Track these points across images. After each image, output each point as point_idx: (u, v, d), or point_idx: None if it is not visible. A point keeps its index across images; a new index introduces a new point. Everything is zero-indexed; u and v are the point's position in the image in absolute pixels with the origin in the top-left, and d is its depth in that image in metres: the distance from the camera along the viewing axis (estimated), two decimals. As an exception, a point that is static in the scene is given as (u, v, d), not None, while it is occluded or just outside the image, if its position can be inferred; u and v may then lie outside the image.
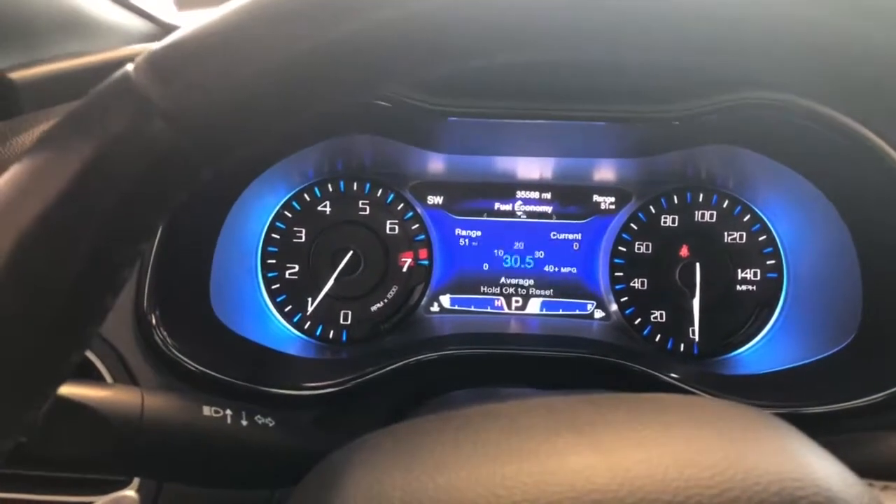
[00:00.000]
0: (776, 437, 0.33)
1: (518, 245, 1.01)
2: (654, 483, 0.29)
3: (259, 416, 0.53)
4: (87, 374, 0.69)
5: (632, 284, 0.98)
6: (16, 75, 0.72)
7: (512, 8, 0.29)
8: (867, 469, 0.37)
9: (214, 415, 0.50)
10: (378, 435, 0.36)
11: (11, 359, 0.26)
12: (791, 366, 0.85)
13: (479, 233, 1.01)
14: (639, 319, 0.98)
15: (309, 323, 0.97)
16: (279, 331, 0.96)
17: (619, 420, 0.34)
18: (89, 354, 0.70)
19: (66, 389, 0.45)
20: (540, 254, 1.01)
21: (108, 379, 0.70)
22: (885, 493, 0.36)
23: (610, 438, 0.32)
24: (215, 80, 0.28)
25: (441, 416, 0.36)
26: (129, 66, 0.28)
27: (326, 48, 0.28)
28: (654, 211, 0.98)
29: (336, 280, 0.96)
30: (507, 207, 1.01)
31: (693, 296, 0.95)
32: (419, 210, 0.99)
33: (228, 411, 0.51)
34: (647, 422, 0.34)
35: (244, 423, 0.51)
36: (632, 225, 0.98)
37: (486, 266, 1.01)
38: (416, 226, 0.99)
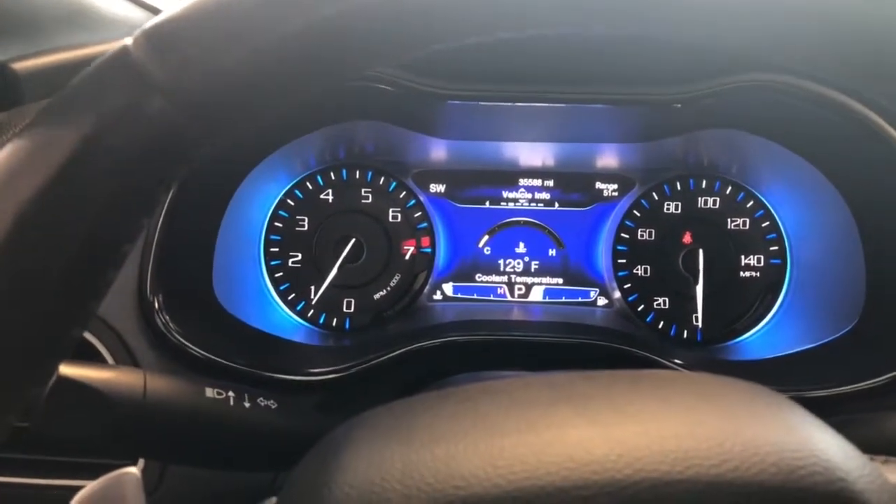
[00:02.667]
0: (775, 411, 0.33)
1: (521, 233, 1.01)
2: (652, 455, 0.29)
3: (262, 399, 0.53)
4: (90, 359, 0.70)
5: (635, 271, 0.98)
6: (19, 66, 0.72)
7: None
8: (870, 447, 0.37)
9: (217, 396, 0.50)
10: (378, 410, 0.36)
11: (13, 332, 0.27)
12: (794, 351, 0.85)
13: (481, 220, 1.01)
14: (642, 306, 0.98)
15: (312, 311, 0.97)
16: (282, 318, 0.96)
17: (617, 394, 0.34)
18: (92, 338, 0.70)
19: (69, 370, 0.45)
20: (542, 241, 1.01)
21: (110, 362, 0.70)
22: (886, 465, 0.36)
23: (608, 412, 0.32)
24: (214, 55, 0.28)
25: (440, 392, 0.36)
26: (128, 41, 0.28)
27: (325, 22, 0.28)
28: (656, 198, 0.98)
29: (339, 268, 0.96)
30: (510, 195, 1.01)
31: (696, 282, 0.95)
32: (421, 198, 0.99)
33: (231, 393, 0.51)
34: (646, 396, 0.34)
35: (247, 405, 0.52)
36: (635, 212, 0.98)
37: (488, 253, 1.01)
38: (419, 213, 0.99)
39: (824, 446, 0.30)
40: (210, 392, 0.51)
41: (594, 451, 0.29)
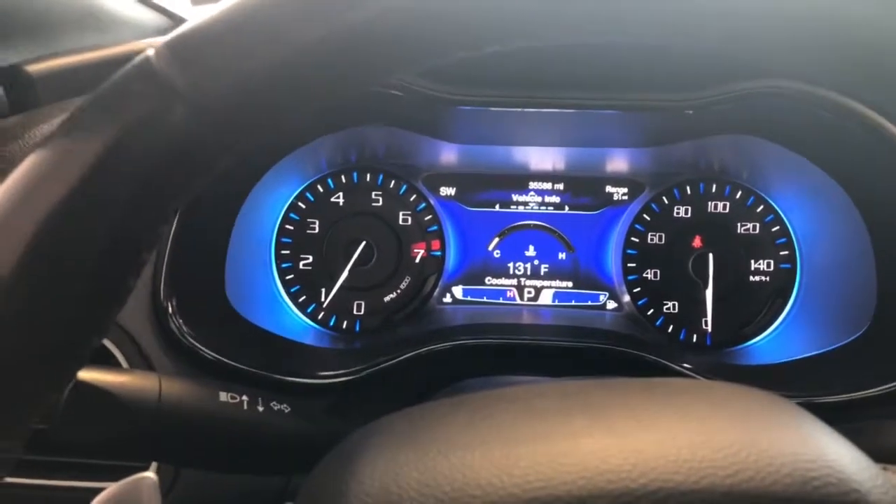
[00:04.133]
0: (790, 421, 0.33)
1: (531, 236, 1.01)
2: (668, 464, 0.29)
3: (275, 403, 0.53)
4: (106, 362, 0.70)
5: (644, 275, 0.98)
6: (32, 68, 0.73)
7: None
8: (882, 454, 0.37)
9: (231, 400, 0.51)
10: (394, 417, 0.36)
11: (35, 339, 0.27)
12: (805, 356, 0.85)
13: (491, 223, 1.01)
14: (651, 310, 0.98)
15: (323, 313, 0.98)
16: (293, 321, 0.97)
17: (632, 403, 0.34)
18: (107, 342, 0.71)
19: (86, 375, 0.45)
20: (552, 245, 1.01)
21: (125, 366, 0.71)
22: (899, 476, 0.36)
23: (623, 421, 0.32)
24: (235, 65, 0.28)
25: (456, 399, 0.36)
26: (150, 52, 0.29)
27: (348, 31, 0.28)
28: (666, 202, 0.98)
29: (349, 271, 0.97)
30: (520, 198, 1.01)
31: (706, 286, 0.95)
32: (432, 201, 1.00)
33: (245, 397, 0.52)
34: (661, 404, 0.34)
35: (260, 408, 0.52)
36: (645, 216, 0.98)
37: (498, 257, 1.01)
38: (429, 217, 0.99)
39: (838, 457, 0.30)
40: (224, 396, 0.51)
41: (609, 460, 0.30)
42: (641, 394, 0.35)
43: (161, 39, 0.29)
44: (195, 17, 0.29)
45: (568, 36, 0.31)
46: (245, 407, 0.51)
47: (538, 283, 1.01)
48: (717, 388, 0.37)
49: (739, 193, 0.97)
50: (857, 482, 0.29)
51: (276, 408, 0.53)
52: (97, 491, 0.37)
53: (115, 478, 0.39)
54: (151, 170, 0.28)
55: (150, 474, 0.37)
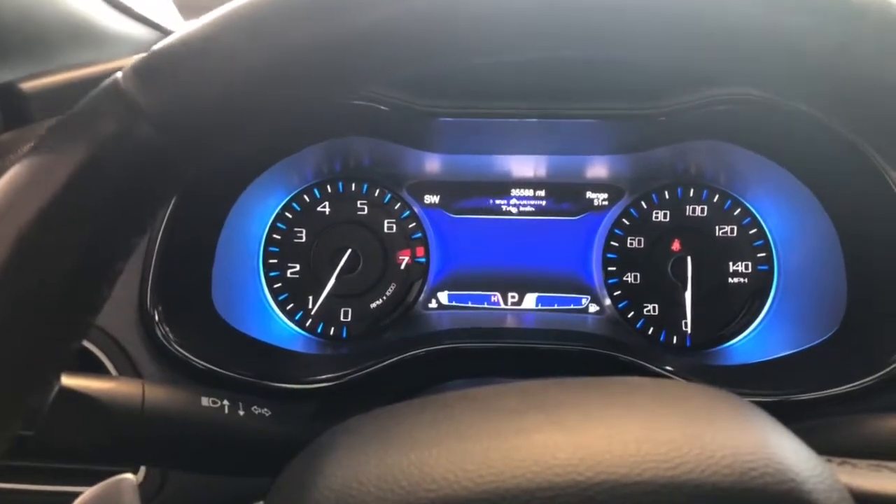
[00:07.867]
0: (735, 416, 0.35)
1: (513, 242, 1.03)
2: (613, 458, 0.31)
3: (255, 407, 0.55)
4: (93, 369, 0.72)
5: (625, 279, 1.00)
6: (26, 85, 0.74)
7: (497, 9, 0.30)
8: (851, 448, 0.38)
9: (212, 405, 0.52)
10: (362, 417, 0.38)
11: (13, 347, 0.29)
12: (781, 355, 0.86)
13: (474, 230, 1.03)
14: (632, 313, 0.99)
15: (310, 320, 0.99)
16: (281, 328, 0.98)
17: (585, 401, 0.35)
18: (95, 349, 0.72)
19: (70, 381, 0.46)
20: (534, 250, 1.02)
21: (113, 373, 0.72)
22: (842, 467, 0.38)
23: (574, 418, 0.34)
24: (196, 85, 0.30)
25: (422, 400, 0.38)
26: (118, 74, 0.31)
27: (302, 53, 0.30)
28: (645, 206, 1.00)
29: (336, 278, 0.98)
30: (503, 205, 1.03)
31: (685, 289, 0.97)
32: (416, 209, 1.01)
33: (226, 402, 0.53)
34: (613, 402, 0.35)
35: (241, 413, 0.53)
36: (624, 220, 1.00)
37: (482, 263, 1.03)
38: (414, 224, 1.01)
39: (778, 449, 0.32)
40: (206, 401, 0.52)
41: (558, 454, 0.31)
42: (596, 392, 0.37)
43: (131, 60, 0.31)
44: (160, 41, 0.31)
45: (535, 51, 0.32)
46: (226, 411, 0.53)
47: (521, 287, 1.03)
48: (670, 386, 0.39)
49: (717, 197, 0.98)
50: (794, 472, 0.31)
51: (256, 412, 0.54)
52: (76, 495, 0.38)
53: (94, 482, 0.41)
54: (121, 184, 0.30)
55: (129, 476, 0.39)
